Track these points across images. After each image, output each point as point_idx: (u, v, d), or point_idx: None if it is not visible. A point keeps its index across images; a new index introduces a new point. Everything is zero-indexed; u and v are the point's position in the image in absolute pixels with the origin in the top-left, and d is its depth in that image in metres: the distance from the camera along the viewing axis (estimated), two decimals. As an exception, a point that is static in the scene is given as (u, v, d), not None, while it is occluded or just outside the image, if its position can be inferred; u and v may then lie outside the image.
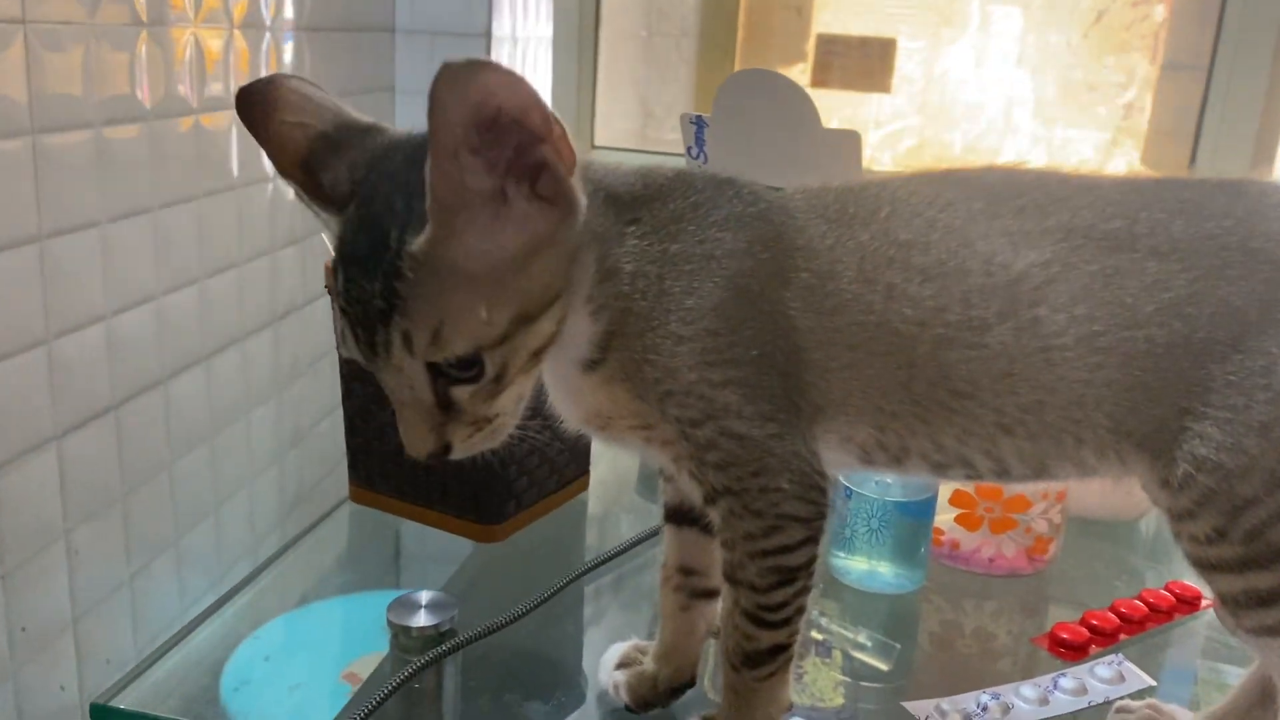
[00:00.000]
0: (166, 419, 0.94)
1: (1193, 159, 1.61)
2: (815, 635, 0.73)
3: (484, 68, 0.45)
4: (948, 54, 1.77)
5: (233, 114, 1.00)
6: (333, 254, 0.53)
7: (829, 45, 1.77)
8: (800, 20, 1.77)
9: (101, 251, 0.83)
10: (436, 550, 0.88)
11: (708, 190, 0.56)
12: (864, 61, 1.77)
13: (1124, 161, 1.76)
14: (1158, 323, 0.52)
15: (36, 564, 0.79)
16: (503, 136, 0.47)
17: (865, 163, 1.79)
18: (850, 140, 0.76)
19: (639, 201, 0.56)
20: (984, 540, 0.82)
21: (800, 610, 0.58)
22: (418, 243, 0.48)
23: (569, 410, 0.60)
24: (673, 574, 0.67)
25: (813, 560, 0.57)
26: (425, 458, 0.54)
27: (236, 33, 1.00)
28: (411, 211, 0.49)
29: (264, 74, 1.05)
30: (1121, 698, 0.67)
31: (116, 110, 0.84)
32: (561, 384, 0.59)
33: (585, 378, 0.57)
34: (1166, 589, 0.79)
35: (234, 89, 0.99)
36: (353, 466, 0.88)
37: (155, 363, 0.92)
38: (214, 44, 0.97)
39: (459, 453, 0.54)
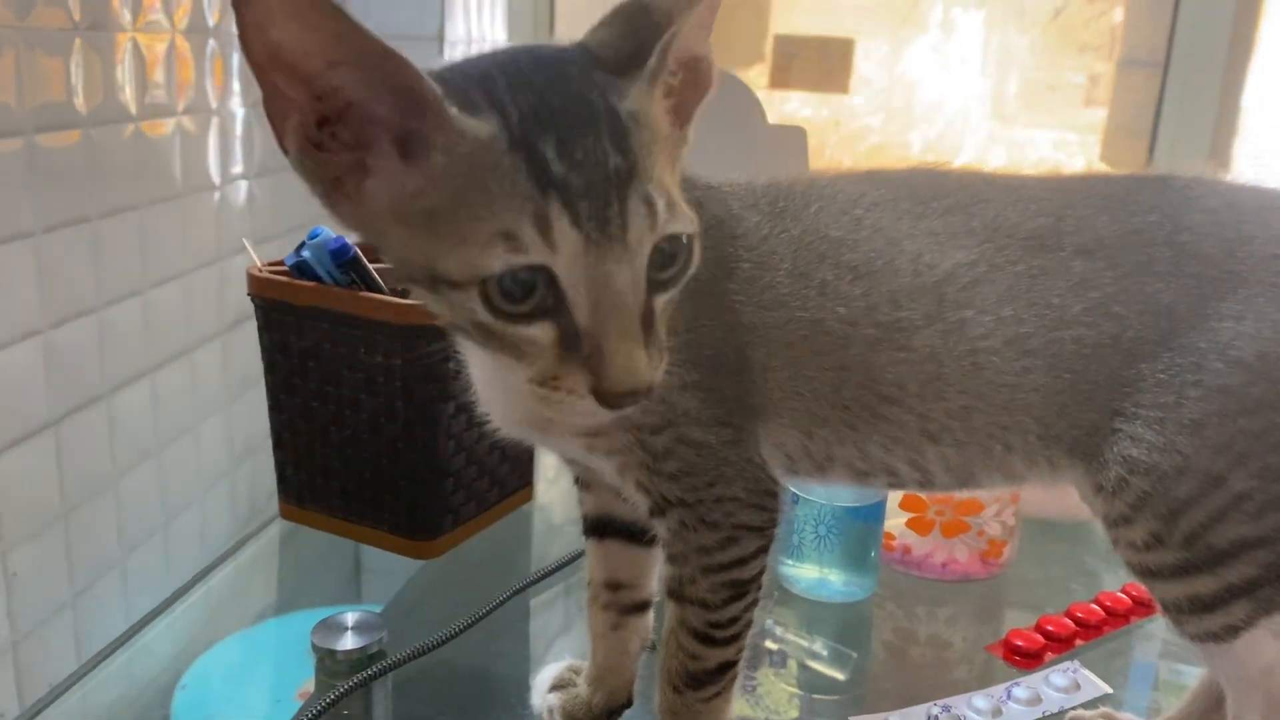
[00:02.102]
0: (110, 434, 0.91)
1: (1150, 155, 1.61)
2: (769, 645, 0.71)
3: None
4: (907, 54, 1.77)
5: (176, 120, 0.98)
6: (505, 121, 0.43)
7: (787, 46, 1.76)
8: (758, 21, 1.76)
9: (36, 263, 0.80)
10: (381, 564, 0.85)
11: None
12: (822, 62, 1.76)
13: (1083, 159, 1.77)
14: (1086, 322, 0.51)
15: (-29, 587, 0.76)
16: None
17: (826, 162, 1.79)
18: (795, 136, 0.74)
19: None
20: (936, 544, 0.80)
21: (748, 625, 0.56)
22: (630, 97, 0.44)
23: (505, 410, 0.55)
24: (600, 591, 0.64)
25: (763, 571, 0.55)
26: (640, 393, 0.43)
27: (179, 37, 0.97)
28: (595, 83, 0.44)
29: (208, 81, 1.03)
30: (1076, 706, 0.65)
31: (50, 117, 0.81)
32: (500, 380, 0.53)
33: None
34: (1124, 591, 0.77)
35: (176, 96, 0.97)
36: (281, 481, 0.85)
37: (97, 377, 0.89)
38: (155, 49, 0.94)
39: (646, 396, 0.44)
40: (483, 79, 0.44)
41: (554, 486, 0.95)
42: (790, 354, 0.52)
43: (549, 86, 0.43)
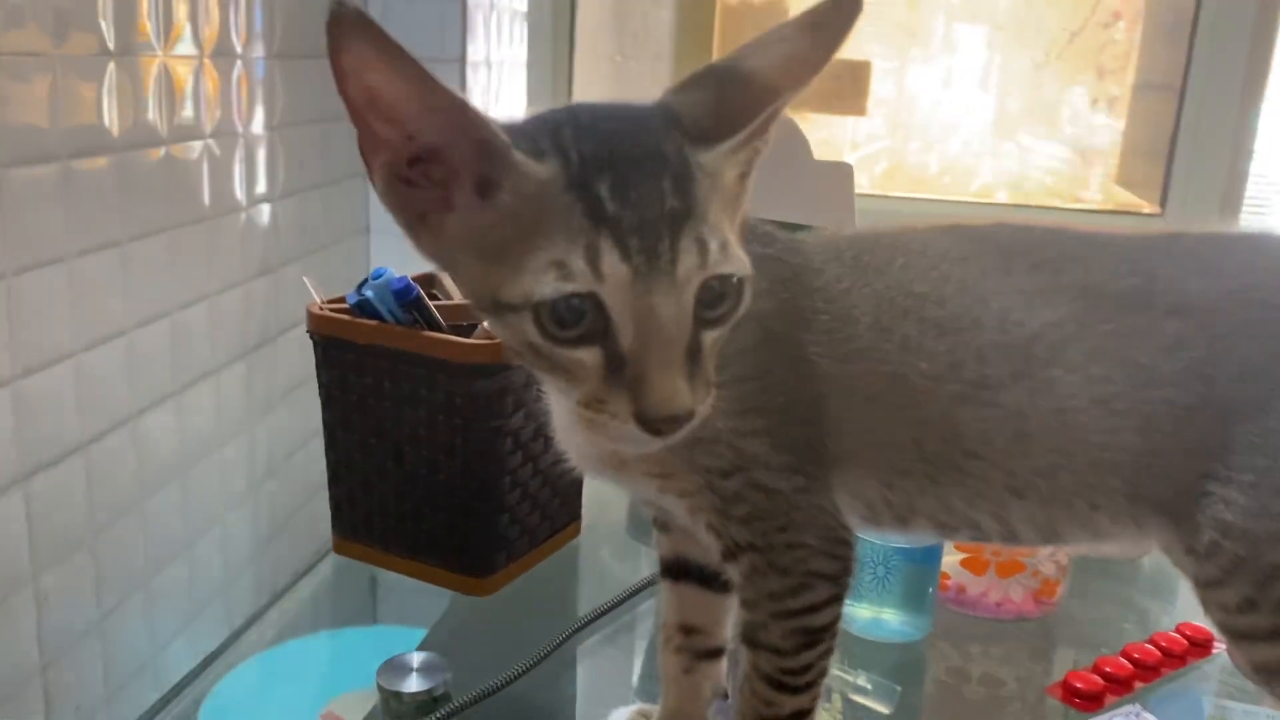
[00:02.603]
0: (137, 456, 0.91)
1: (1166, 179, 1.62)
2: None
3: None
4: (922, 76, 1.78)
5: (204, 143, 0.99)
6: (576, 161, 0.46)
7: (804, 68, 1.77)
8: (774, 43, 1.77)
9: (69, 286, 0.81)
10: (399, 584, 0.85)
11: None
12: (838, 84, 1.77)
13: (1099, 182, 1.77)
14: (1177, 384, 0.51)
15: (3, 610, 0.76)
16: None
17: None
18: (842, 173, 0.74)
19: None
20: (991, 584, 0.81)
21: (823, 673, 0.56)
22: (713, 152, 0.46)
23: (582, 449, 0.57)
24: (674, 634, 0.64)
25: (837, 620, 0.55)
26: (680, 420, 0.45)
27: (206, 61, 0.98)
28: (676, 133, 0.46)
29: (234, 102, 1.04)
30: None
31: (84, 141, 0.82)
32: (574, 421, 0.55)
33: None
34: (1178, 631, 0.77)
35: (204, 118, 0.98)
36: (336, 516, 0.85)
37: (125, 399, 0.89)
38: (183, 72, 0.95)
39: (688, 424, 0.46)
40: (553, 128, 0.47)
41: (603, 527, 0.94)
42: (869, 406, 0.53)
43: (617, 135, 0.46)
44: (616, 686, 0.69)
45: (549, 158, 0.45)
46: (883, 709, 0.69)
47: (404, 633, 0.86)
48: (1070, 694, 0.72)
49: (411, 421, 0.77)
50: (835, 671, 0.71)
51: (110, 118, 0.84)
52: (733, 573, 0.56)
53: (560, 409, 0.56)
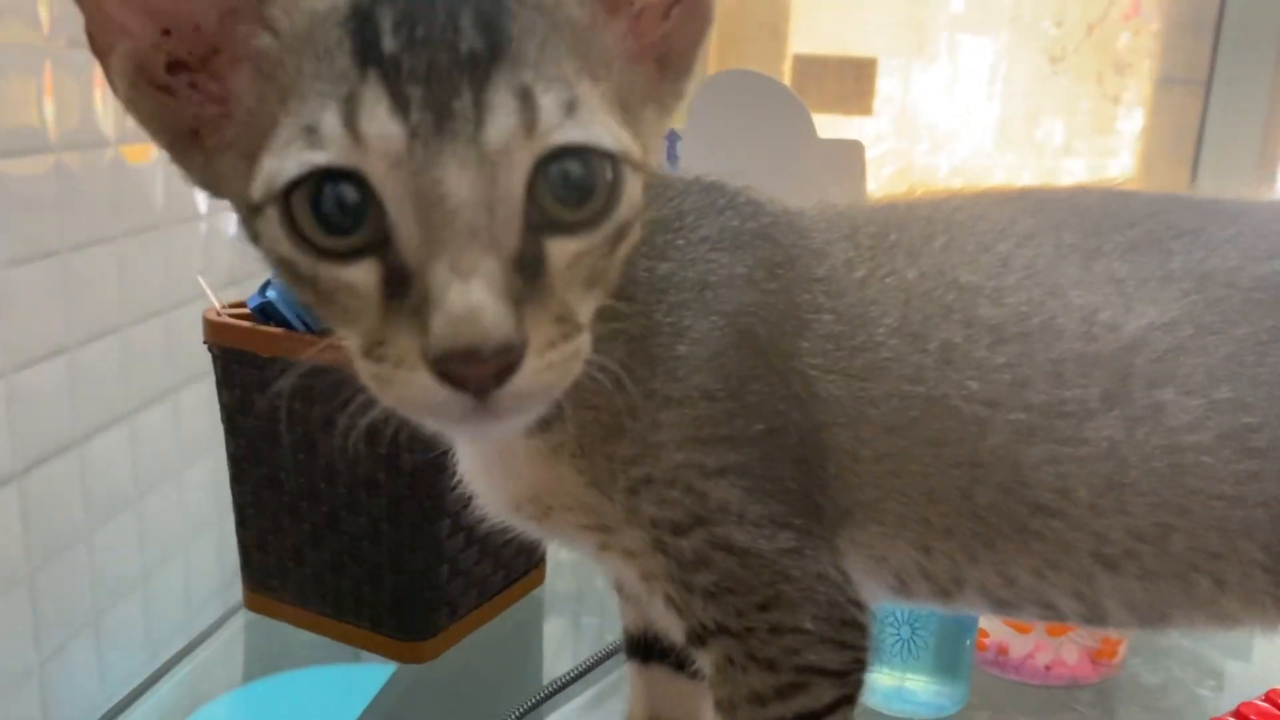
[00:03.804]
0: (82, 484, 0.84)
1: (1193, 177, 1.55)
2: None
3: None
4: (931, 73, 1.71)
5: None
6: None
7: (807, 66, 1.71)
8: (775, 40, 1.71)
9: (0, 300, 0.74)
10: (360, 675, 0.75)
11: (692, 194, 0.43)
12: (843, 83, 1.70)
13: (1120, 181, 1.71)
14: None
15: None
16: None
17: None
18: (852, 151, 0.65)
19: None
20: (1039, 643, 0.67)
21: None
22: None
23: (493, 487, 0.45)
24: None
25: None
26: (487, 357, 0.32)
27: (161, 57, 0.92)
28: None
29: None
30: None
31: (18, 142, 0.75)
32: (482, 451, 0.44)
33: (527, 443, 0.42)
34: (1267, 699, 0.62)
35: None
36: (245, 566, 0.73)
37: (68, 422, 0.82)
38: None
39: (527, 378, 0.33)
40: None
41: (568, 568, 0.82)
42: (893, 441, 0.40)
43: None
44: None
45: None
46: None
47: (377, 669, 0.79)
48: None
49: (327, 452, 0.63)
50: None
51: (50, 117, 0.78)
52: (703, 663, 0.43)
53: (463, 442, 0.45)
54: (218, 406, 0.98)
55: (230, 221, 1.04)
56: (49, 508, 0.80)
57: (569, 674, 0.66)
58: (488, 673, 0.69)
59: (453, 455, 0.45)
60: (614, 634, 0.68)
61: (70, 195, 0.81)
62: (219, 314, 0.69)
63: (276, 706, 0.83)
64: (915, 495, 0.41)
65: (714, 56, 1.74)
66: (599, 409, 0.39)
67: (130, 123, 0.87)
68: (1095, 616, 0.42)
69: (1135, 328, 0.39)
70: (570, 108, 0.33)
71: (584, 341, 0.34)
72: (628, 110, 0.36)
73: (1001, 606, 0.43)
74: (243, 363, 0.67)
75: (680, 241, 0.41)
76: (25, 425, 0.77)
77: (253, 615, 0.77)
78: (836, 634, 0.40)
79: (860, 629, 0.42)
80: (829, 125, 1.75)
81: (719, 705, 0.43)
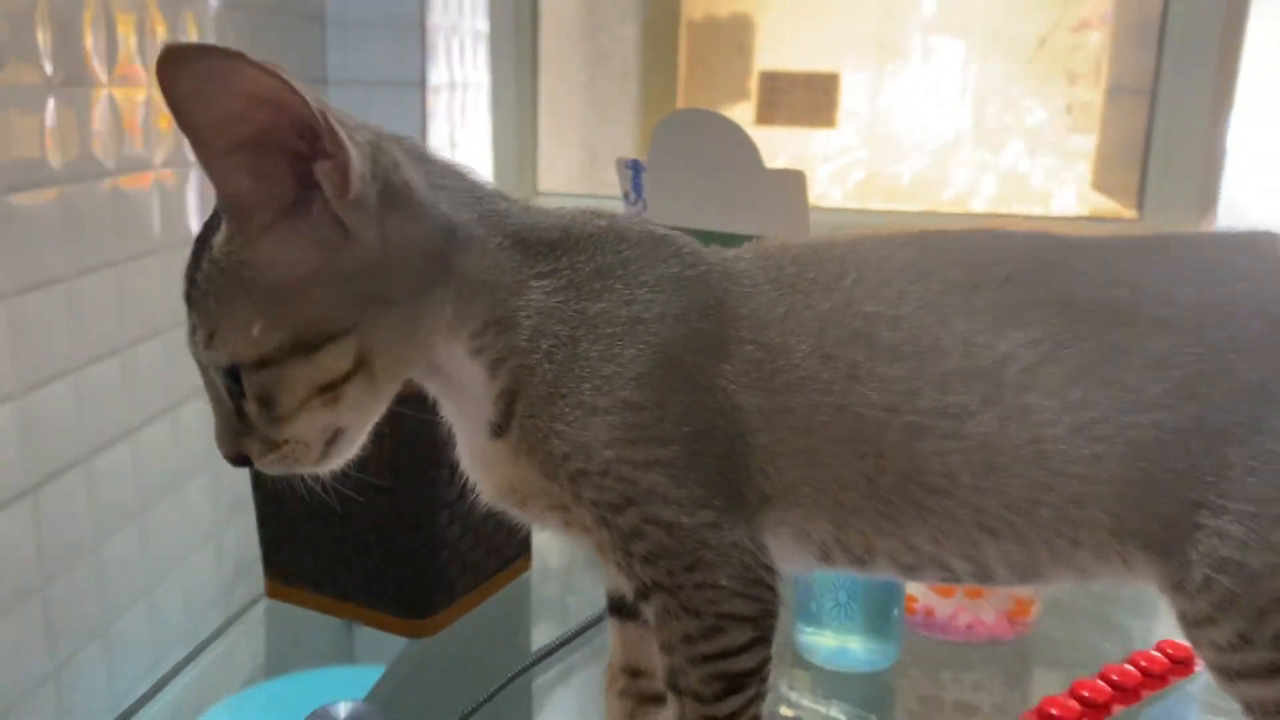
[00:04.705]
0: (90, 499, 0.88)
1: (1142, 183, 1.61)
2: (785, 712, 0.68)
3: (189, 57, 0.43)
4: (892, 86, 1.78)
5: (154, 174, 0.97)
6: None
7: (772, 82, 1.77)
8: (742, 58, 1.77)
9: (9, 325, 0.78)
10: (368, 651, 0.82)
11: (642, 246, 0.51)
12: (808, 97, 1.76)
13: (1074, 188, 1.77)
14: (1165, 405, 0.46)
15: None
16: (268, 140, 0.45)
17: (814, 199, 1.79)
18: (794, 180, 0.72)
19: (556, 251, 0.51)
20: (960, 606, 0.76)
21: (755, 719, 0.52)
22: (217, 241, 0.48)
23: (482, 480, 0.54)
24: (618, 676, 0.61)
25: (765, 662, 0.51)
26: (227, 459, 0.53)
27: (155, 92, 0.96)
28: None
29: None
30: None
31: (24, 175, 0.79)
32: (470, 449, 0.54)
33: (493, 445, 0.51)
34: (1158, 649, 0.73)
35: (154, 149, 0.96)
36: (267, 560, 0.82)
37: (75, 440, 0.86)
38: (131, 102, 0.93)
39: (261, 467, 0.52)
40: None
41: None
42: (810, 441, 0.49)
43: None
44: None
45: None
46: None
47: (367, 672, 0.83)
48: None
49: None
50: (807, 703, 0.68)
51: (53, 150, 0.82)
52: (647, 613, 0.52)
53: (460, 434, 0.54)
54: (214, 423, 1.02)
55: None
56: (59, 521, 0.84)
57: (554, 642, 0.75)
58: (483, 644, 0.77)
59: (455, 456, 0.55)
60: (592, 609, 0.76)
61: (73, 224, 0.85)
62: None
63: (283, 707, 0.87)
64: (829, 483, 0.49)
65: (684, 76, 1.80)
66: (536, 417, 0.49)
67: (127, 153, 0.91)
68: (984, 575, 0.51)
69: (1006, 346, 0.47)
70: (210, 339, 0.49)
71: (293, 451, 0.51)
72: (319, 280, 0.48)
73: (908, 570, 0.52)
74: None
75: (618, 285, 0.50)
76: (36, 443, 0.81)
77: (251, 617, 0.84)
78: (748, 589, 0.49)
79: (769, 586, 0.51)
80: (795, 138, 1.80)
81: (661, 647, 0.52)
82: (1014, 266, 0.49)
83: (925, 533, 0.49)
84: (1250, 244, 0.50)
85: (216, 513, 1.08)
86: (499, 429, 0.51)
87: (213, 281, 0.48)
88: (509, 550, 0.83)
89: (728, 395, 0.49)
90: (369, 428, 0.53)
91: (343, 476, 0.55)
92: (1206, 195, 1.55)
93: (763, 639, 0.51)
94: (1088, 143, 1.73)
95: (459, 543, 0.77)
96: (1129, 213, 1.67)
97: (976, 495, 0.48)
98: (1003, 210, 1.78)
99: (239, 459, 0.52)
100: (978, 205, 1.79)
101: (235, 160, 0.45)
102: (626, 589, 0.52)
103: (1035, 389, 0.47)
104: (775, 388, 0.49)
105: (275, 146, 0.45)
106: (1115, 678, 0.71)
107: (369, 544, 0.76)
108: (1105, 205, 1.73)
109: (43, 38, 0.81)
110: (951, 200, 1.79)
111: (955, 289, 0.49)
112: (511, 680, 0.71)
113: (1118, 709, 0.69)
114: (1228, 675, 0.48)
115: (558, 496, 0.51)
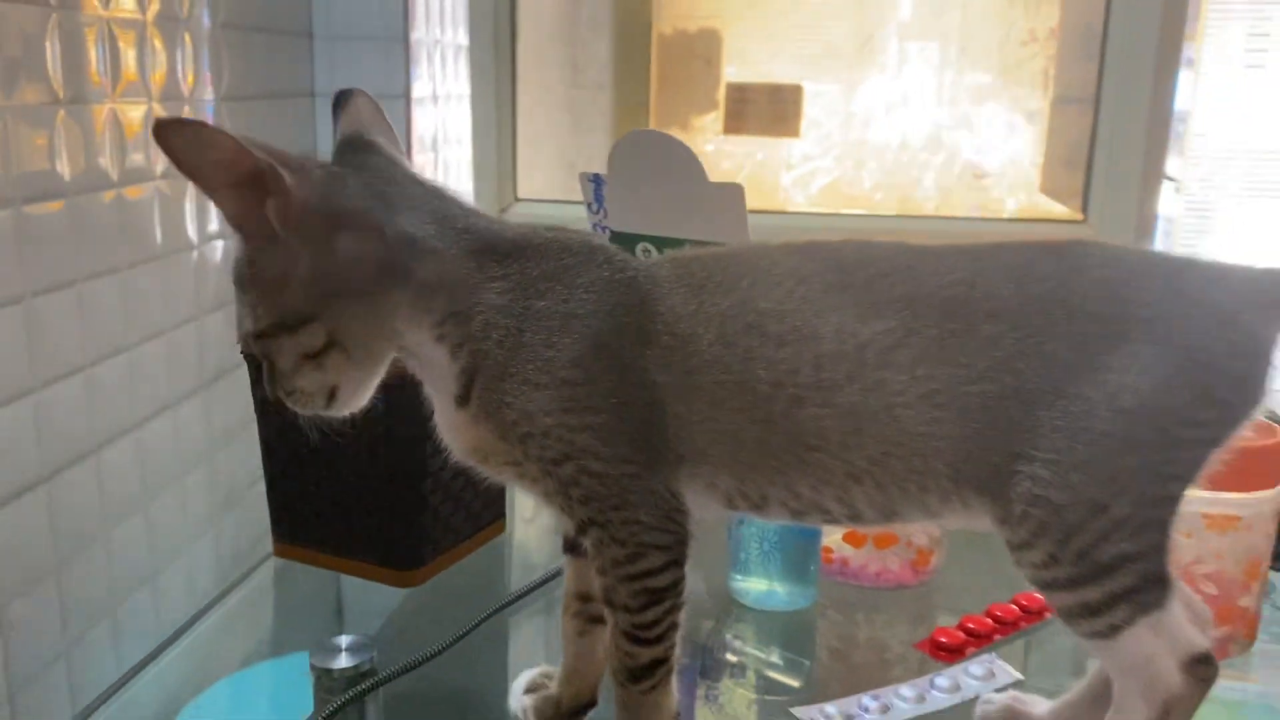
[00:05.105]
0: (99, 489, 0.94)
1: (1086, 187, 1.69)
2: (730, 658, 0.77)
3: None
4: (855, 98, 1.84)
5: (154, 184, 1.02)
6: None
7: (739, 93, 1.83)
8: (710, 71, 1.83)
9: (24, 326, 0.84)
10: (365, 602, 0.90)
11: (581, 254, 0.61)
12: (773, 107, 1.83)
13: (1025, 192, 1.84)
14: (990, 378, 0.57)
15: (-31, 640, 0.79)
16: (240, 181, 0.58)
17: (780, 204, 1.86)
18: (735, 192, 0.81)
19: (509, 259, 0.61)
20: (870, 556, 0.88)
21: (674, 626, 0.63)
22: (239, 249, 0.62)
23: (452, 442, 0.65)
24: (572, 601, 0.71)
25: (679, 581, 0.62)
26: (269, 399, 0.65)
27: (156, 106, 1.02)
28: None
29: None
30: (992, 692, 0.72)
31: (36, 187, 0.85)
32: (443, 416, 0.64)
33: (459, 413, 0.62)
34: (1013, 602, 0.84)
35: (154, 160, 1.01)
36: (276, 523, 0.91)
37: (86, 433, 0.92)
38: (133, 116, 0.99)
39: (289, 405, 0.65)
40: None
41: (530, 525, 1.01)
42: (714, 411, 0.59)
43: None
44: (540, 658, 0.75)
45: None
46: (794, 682, 0.74)
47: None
48: (936, 647, 0.80)
49: (339, 432, 0.83)
50: (749, 650, 0.77)
51: (62, 163, 0.88)
52: (586, 544, 0.63)
53: (436, 403, 0.65)
54: (212, 418, 1.09)
55: (217, 251, 1.15)
56: (71, 510, 0.90)
57: (524, 588, 0.88)
58: (464, 591, 0.88)
59: (434, 425, 0.66)
60: (556, 563, 0.85)
61: (81, 232, 0.91)
62: None
63: (282, 687, 0.92)
64: (729, 444, 0.60)
65: (655, 87, 1.86)
66: (491, 391, 0.60)
67: (130, 164, 0.98)
68: (854, 515, 0.62)
69: (868, 333, 0.58)
70: (240, 315, 0.63)
71: (298, 398, 0.64)
72: (289, 281, 0.62)
73: (796, 514, 0.63)
74: (270, 365, 0.84)
75: (559, 287, 0.60)
76: (50, 436, 0.87)
77: (279, 565, 0.92)
78: (662, 524, 0.61)
79: (679, 523, 0.62)
80: (761, 146, 1.87)
81: (597, 570, 0.63)
82: (876, 270, 0.60)
83: (806, 482, 0.60)
84: (1059, 250, 0.61)
85: (214, 502, 1.14)
86: (462, 400, 0.61)
87: (237, 275, 0.63)
88: (486, 515, 0.94)
89: (649, 375, 0.59)
90: (364, 386, 0.65)
91: (341, 449, 0.66)
92: (1146, 199, 1.63)
93: (676, 562, 0.62)
94: (1036, 150, 1.81)
95: (441, 507, 0.88)
96: (1074, 215, 1.75)
97: (844, 451, 0.59)
98: (959, 214, 1.86)
99: (273, 396, 0.65)
100: (932, 209, 1.87)
101: (223, 194, 0.59)
102: (568, 526, 0.63)
103: (890, 367, 0.58)
104: (687, 369, 0.59)
105: (246, 186, 0.58)
106: (999, 613, 0.83)
107: (363, 508, 0.87)
108: (1053, 209, 1.81)
109: (51, 57, 0.86)
110: (910, 205, 1.87)
111: (829, 289, 0.60)
112: (488, 618, 0.82)
113: (997, 638, 0.81)
114: (1043, 587, 0.59)
115: (511, 454, 0.62)
